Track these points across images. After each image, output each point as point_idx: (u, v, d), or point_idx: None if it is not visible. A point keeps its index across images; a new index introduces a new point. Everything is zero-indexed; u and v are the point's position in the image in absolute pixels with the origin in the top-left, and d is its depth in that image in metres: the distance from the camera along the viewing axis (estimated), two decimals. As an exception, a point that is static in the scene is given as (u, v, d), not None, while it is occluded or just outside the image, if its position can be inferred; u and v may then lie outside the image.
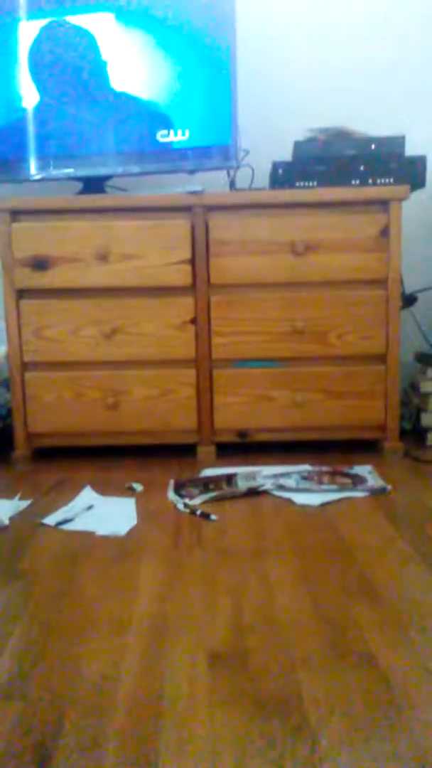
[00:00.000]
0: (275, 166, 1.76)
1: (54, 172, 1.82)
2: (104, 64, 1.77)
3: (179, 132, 1.77)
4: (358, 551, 1.18)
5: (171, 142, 1.78)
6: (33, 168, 1.82)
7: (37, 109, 1.80)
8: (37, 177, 1.82)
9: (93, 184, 1.86)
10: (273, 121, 2.08)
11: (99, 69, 1.77)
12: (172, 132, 1.77)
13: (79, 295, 1.75)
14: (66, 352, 1.76)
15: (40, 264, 1.73)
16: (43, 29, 1.77)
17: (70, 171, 1.81)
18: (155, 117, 1.77)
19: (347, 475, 1.60)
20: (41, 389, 1.77)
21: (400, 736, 0.70)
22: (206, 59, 1.73)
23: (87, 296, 1.75)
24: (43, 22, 1.76)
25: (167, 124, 1.77)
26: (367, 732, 0.71)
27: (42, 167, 1.82)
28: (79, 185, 1.89)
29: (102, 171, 1.81)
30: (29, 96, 1.80)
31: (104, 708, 0.76)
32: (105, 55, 1.76)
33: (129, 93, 1.77)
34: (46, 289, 1.75)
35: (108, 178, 1.86)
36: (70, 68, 1.78)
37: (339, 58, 2.09)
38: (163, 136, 1.77)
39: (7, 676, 0.83)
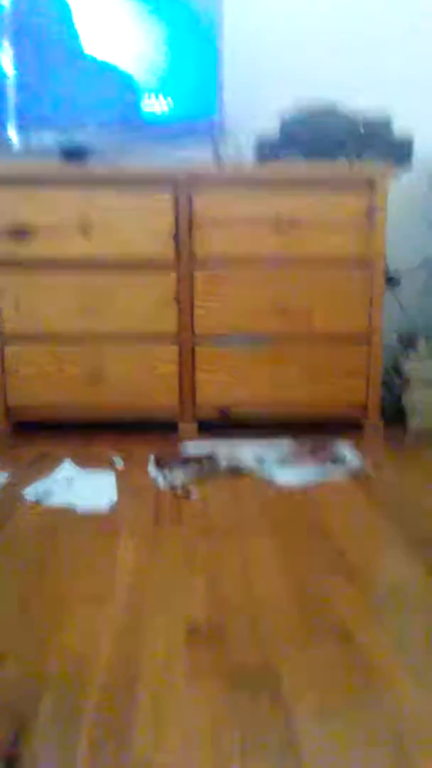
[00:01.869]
0: (260, 140, 1.74)
1: (34, 140, 1.77)
2: (85, 31, 1.72)
3: (164, 103, 1.73)
4: (336, 529, 1.20)
5: (155, 113, 1.74)
6: (12, 135, 1.77)
7: (18, 77, 1.75)
8: (17, 143, 1.78)
9: (75, 154, 1.81)
10: (260, 94, 2.04)
11: (80, 36, 1.72)
12: (156, 103, 1.74)
13: (61, 268, 1.72)
14: (46, 324, 1.74)
15: (19, 233, 1.69)
16: (26, -10, 1.71)
17: (50, 139, 1.77)
18: (139, 87, 1.73)
19: (328, 453, 1.60)
20: (21, 363, 1.75)
21: (374, 710, 0.71)
22: (193, 30, 1.69)
23: (68, 269, 1.72)
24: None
25: (151, 95, 1.73)
26: (341, 706, 0.72)
27: (22, 135, 1.77)
28: (61, 156, 1.84)
29: (83, 140, 1.77)
30: (9, 64, 1.75)
31: (82, 681, 0.76)
32: (88, 22, 1.71)
33: (113, 63, 1.73)
34: (26, 259, 1.71)
35: (90, 149, 1.82)
36: (52, 35, 1.72)
37: (328, 30, 2.05)
38: (147, 107, 1.74)
39: (-16, 650, 0.83)
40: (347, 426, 1.85)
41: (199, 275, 1.72)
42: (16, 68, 1.74)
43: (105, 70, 1.73)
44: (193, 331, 1.75)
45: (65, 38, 1.73)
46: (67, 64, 1.74)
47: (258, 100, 2.02)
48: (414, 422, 1.90)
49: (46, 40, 1.73)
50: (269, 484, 1.44)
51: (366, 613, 0.91)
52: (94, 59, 1.73)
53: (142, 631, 0.87)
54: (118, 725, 0.69)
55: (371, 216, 1.70)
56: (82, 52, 1.73)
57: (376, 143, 1.72)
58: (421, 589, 0.98)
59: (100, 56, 1.73)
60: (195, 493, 1.37)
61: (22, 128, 1.77)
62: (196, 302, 1.73)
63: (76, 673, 0.78)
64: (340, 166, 1.69)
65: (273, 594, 0.96)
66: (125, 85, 1.74)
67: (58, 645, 0.84)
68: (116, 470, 1.52)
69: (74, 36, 1.72)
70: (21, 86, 1.75)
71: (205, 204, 1.69)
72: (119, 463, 1.56)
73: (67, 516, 1.26)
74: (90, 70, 1.74)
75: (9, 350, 1.74)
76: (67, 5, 1.71)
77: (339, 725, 0.69)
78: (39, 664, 0.80)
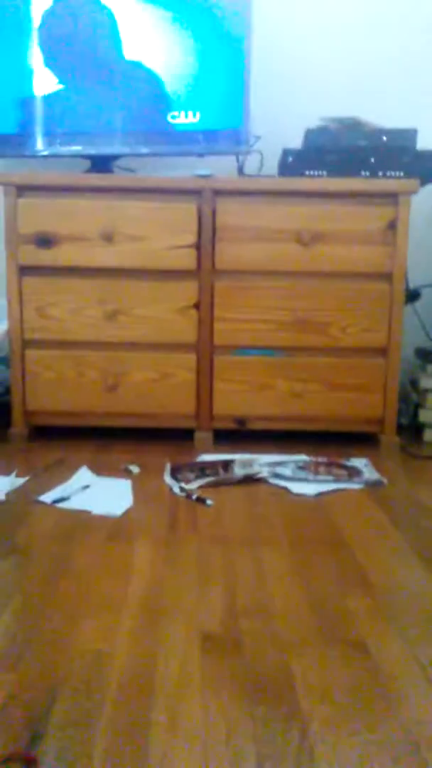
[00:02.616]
0: (285, 153, 1.75)
1: (61, 149, 1.80)
2: (118, 41, 1.75)
3: (190, 114, 1.76)
4: (352, 542, 1.19)
5: (181, 124, 1.76)
6: (40, 144, 1.80)
7: (48, 85, 1.78)
8: (44, 153, 1.80)
9: (101, 163, 1.84)
10: (285, 107, 2.06)
11: (111, 46, 1.75)
12: (182, 113, 1.76)
13: (83, 275, 1.74)
14: (67, 331, 1.75)
15: (44, 241, 1.72)
16: (57, 2, 1.74)
17: (77, 149, 1.79)
18: (166, 98, 1.76)
19: (343, 466, 1.60)
20: (41, 367, 1.77)
21: (390, 723, 0.71)
22: (221, 42, 1.71)
23: (91, 276, 1.74)
24: (58, -5, 1.74)
25: (178, 106, 1.75)
26: (357, 719, 0.71)
27: (49, 143, 1.80)
28: (88, 164, 1.87)
29: (110, 150, 1.80)
30: (39, 71, 1.78)
31: (97, 686, 0.77)
32: (119, 32, 1.74)
33: (141, 73, 1.75)
34: (50, 266, 1.73)
35: (116, 157, 1.85)
36: (82, 44, 1.75)
37: (355, 47, 2.06)
38: (174, 117, 1.76)
39: (0, 651, 0.83)
40: (364, 439, 1.84)
41: (219, 285, 1.73)
42: (51, 76, 1.77)
43: (132, 80, 1.76)
44: (212, 341, 1.76)
45: (94, 48, 1.76)
46: (94, 74, 1.76)
47: (284, 114, 2.04)
48: (429, 436, 1.89)
49: (75, 50, 1.76)
50: (285, 494, 1.44)
51: (382, 623, 0.91)
52: (121, 69, 1.76)
53: (157, 639, 0.87)
54: (133, 733, 0.69)
55: (393, 230, 1.70)
56: (110, 63, 1.75)
57: (399, 157, 1.72)
58: (437, 605, 0.97)
59: (128, 67, 1.75)
60: (210, 501, 1.37)
61: (49, 138, 1.79)
62: (216, 312, 1.74)
63: (91, 679, 0.78)
64: (363, 180, 1.69)
65: (289, 603, 0.96)
66: (153, 95, 1.76)
67: (73, 650, 0.84)
68: (132, 477, 1.53)
69: (103, 46, 1.75)
70: (49, 96, 1.78)
71: (228, 215, 1.70)
72: (135, 470, 1.57)
73: (82, 521, 1.27)
74: (117, 81, 1.76)
75: (30, 354, 1.76)
76: (98, 16, 1.74)
77: (355, 737, 0.68)
78: (54, 668, 0.80)
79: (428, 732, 0.69)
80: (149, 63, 1.75)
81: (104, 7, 1.74)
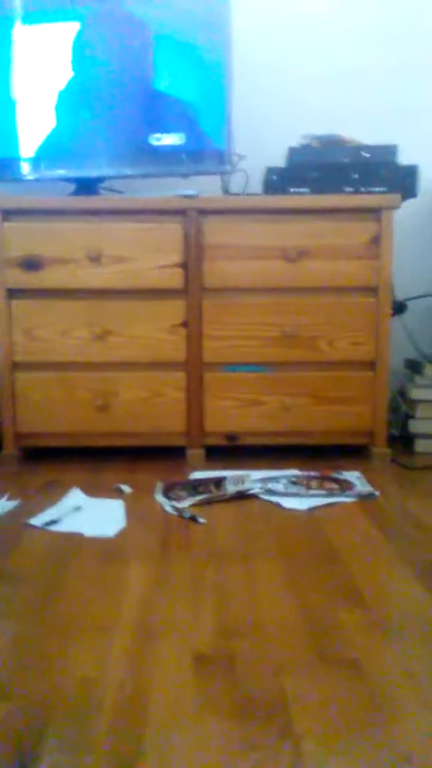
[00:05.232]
0: (269, 171, 1.77)
1: (46, 173, 1.82)
2: (92, 63, 1.77)
3: (173, 135, 1.78)
4: (345, 556, 1.19)
5: (165, 146, 1.78)
6: (25, 168, 1.82)
7: (33, 108, 1.80)
8: (30, 177, 1.82)
9: (86, 186, 1.86)
10: (268, 126, 2.09)
11: (89, 69, 1.78)
12: (166, 135, 1.78)
13: (71, 296, 1.75)
14: (56, 352, 1.76)
15: (31, 264, 1.73)
16: (34, 23, 1.77)
17: (62, 172, 1.81)
18: (150, 120, 1.78)
19: (335, 480, 1.60)
20: (31, 389, 1.77)
21: (384, 741, 0.70)
22: (201, 63, 1.74)
23: (78, 297, 1.75)
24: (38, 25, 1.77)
25: (162, 128, 1.78)
26: (350, 737, 0.71)
27: (34, 167, 1.82)
28: (73, 187, 1.89)
29: (94, 172, 1.81)
30: (22, 95, 1.80)
31: (89, 710, 0.76)
32: (93, 54, 1.77)
33: (122, 96, 1.78)
34: (38, 289, 1.74)
35: (101, 180, 1.87)
36: (62, 67, 1.78)
37: (334, 65, 2.10)
38: (157, 140, 1.78)
39: (-9, 677, 0.83)
40: (355, 451, 1.85)
41: (207, 303, 1.74)
42: (33, 99, 1.80)
43: (114, 103, 1.78)
44: (201, 359, 1.76)
45: (75, 71, 1.78)
46: (77, 97, 1.78)
47: (267, 133, 2.07)
48: (420, 447, 1.90)
49: (56, 72, 1.79)
50: (277, 510, 1.43)
51: (375, 638, 0.91)
52: (103, 92, 1.78)
53: (149, 659, 0.86)
54: (126, 756, 0.68)
55: (377, 244, 1.72)
56: (91, 86, 1.78)
57: (381, 172, 1.75)
58: (429, 615, 0.97)
59: (110, 89, 1.78)
60: (203, 519, 1.37)
61: (34, 161, 1.81)
62: (205, 330, 1.75)
63: (82, 701, 0.78)
64: (346, 196, 1.72)
65: (282, 621, 0.96)
66: (136, 117, 1.78)
67: (64, 673, 0.84)
68: (124, 497, 1.52)
69: (84, 69, 1.78)
70: (34, 117, 1.80)
71: (214, 234, 1.72)
72: (127, 490, 1.56)
73: (74, 543, 1.26)
74: (99, 103, 1.78)
75: (19, 376, 1.76)
76: (77, 40, 1.77)
77: (348, 755, 0.68)
78: (45, 695, 0.80)
79: (422, 748, 0.69)
80: (132, 85, 1.77)
81: (87, 27, 1.76)
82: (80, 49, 1.77)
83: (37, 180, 1.83)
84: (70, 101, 1.79)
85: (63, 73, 1.78)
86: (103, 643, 0.90)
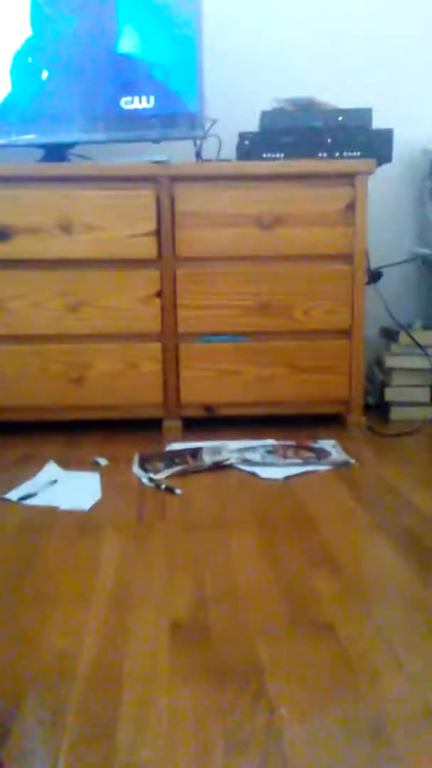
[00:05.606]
0: (242, 136, 1.74)
1: (15, 138, 1.76)
2: (55, 21, 1.71)
3: (144, 99, 1.73)
4: (321, 523, 1.20)
5: (135, 110, 1.73)
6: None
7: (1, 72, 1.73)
8: (-3, 143, 1.76)
9: (55, 152, 1.80)
10: (240, 90, 2.04)
11: (63, 31, 1.71)
12: (137, 99, 1.73)
13: (42, 267, 1.71)
14: (29, 325, 1.72)
15: (0, 234, 1.68)
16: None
17: (31, 137, 1.76)
18: (119, 83, 1.72)
19: (311, 449, 1.61)
20: (3, 363, 1.74)
21: (358, 705, 0.71)
22: (171, 22, 1.68)
23: (50, 268, 1.71)
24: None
25: (132, 91, 1.72)
26: (325, 701, 0.72)
27: (2, 132, 1.76)
28: (41, 153, 1.83)
29: (64, 138, 1.76)
30: (-12, 58, 1.73)
31: (64, 681, 0.76)
32: (55, 12, 1.70)
33: (92, 58, 1.72)
34: (8, 260, 1.70)
35: (71, 145, 1.81)
36: (31, 31, 1.71)
37: (307, 28, 2.05)
38: (128, 103, 1.73)
39: (-34, 652, 0.82)
40: (331, 420, 1.85)
41: (181, 272, 1.72)
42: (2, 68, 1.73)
43: (85, 67, 1.72)
44: (176, 329, 1.74)
45: (43, 34, 1.71)
46: (46, 61, 1.72)
47: (239, 98, 2.02)
48: (396, 415, 1.91)
49: (13, 31, 1.72)
50: (253, 479, 1.44)
51: (350, 604, 0.92)
52: (74, 56, 1.72)
53: (125, 629, 0.86)
54: (102, 724, 0.69)
55: (352, 211, 1.70)
56: (54, 46, 1.71)
57: (356, 137, 1.72)
58: (404, 580, 0.98)
59: (80, 52, 1.71)
60: (179, 490, 1.37)
61: (1, 126, 1.75)
62: (179, 300, 1.73)
63: (58, 672, 0.78)
64: (321, 161, 1.69)
65: (258, 588, 0.96)
66: (105, 82, 1.73)
67: (40, 644, 0.83)
68: (101, 470, 1.52)
69: (45, 27, 1.71)
70: (2, 84, 1.74)
71: (187, 201, 1.68)
72: (103, 463, 1.55)
73: (50, 516, 1.25)
74: (69, 68, 1.72)
75: (-9, 350, 1.73)
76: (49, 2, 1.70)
77: (323, 719, 0.69)
78: (22, 666, 0.79)
79: (396, 711, 0.70)
80: (101, 48, 1.71)
81: (50, -9, 1.69)
82: (40, 6, 1.70)
83: (4, 146, 1.77)
84: (33, 62, 1.72)
85: (21, 31, 1.71)
86: (79, 613, 0.90)
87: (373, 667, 0.78)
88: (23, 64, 1.73)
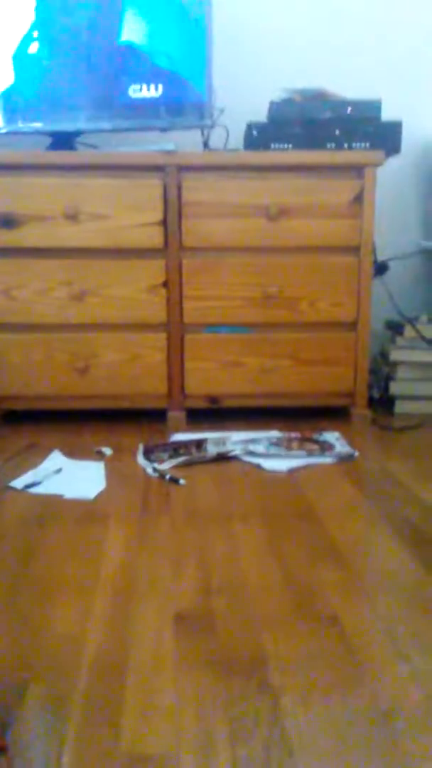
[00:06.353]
0: (250, 126, 1.73)
1: (22, 126, 1.75)
2: (63, 9, 1.69)
3: (152, 87, 1.72)
4: (325, 515, 1.20)
5: (143, 98, 1.72)
6: (0, 121, 1.75)
7: (8, 60, 1.72)
8: (4, 131, 1.75)
9: (63, 140, 1.80)
10: (249, 80, 2.03)
11: (72, 21, 1.70)
12: (144, 87, 1.72)
13: (49, 255, 1.70)
14: (35, 313, 1.72)
15: (7, 222, 1.68)
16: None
17: (38, 125, 1.75)
18: (128, 71, 1.71)
19: (315, 441, 1.61)
20: (9, 351, 1.74)
21: (361, 697, 0.72)
22: (181, 12, 1.67)
23: (56, 256, 1.70)
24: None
25: (140, 79, 1.71)
26: (328, 692, 0.72)
27: (10, 120, 1.75)
28: (48, 141, 1.82)
29: (72, 126, 1.75)
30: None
31: (69, 670, 0.77)
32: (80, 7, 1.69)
33: (101, 48, 1.70)
34: (14, 248, 1.70)
35: (78, 134, 1.80)
36: (39, 20, 1.70)
37: (317, 18, 2.03)
38: (135, 91, 1.72)
39: (-28, 639, 0.83)
40: (335, 413, 1.85)
41: (187, 263, 1.71)
42: (10, 49, 1.72)
43: (93, 55, 1.71)
44: (181, 320, 1.74)
45: (51, 22, 1.70)
46: (54, 50, 1.71)
47: (247, 88, 2.01)
48: (400, 408, 1.91)
49: (24, 19, 1.71)
50: (257, 471, 1.44)
51: (354, 596, 0.92)
52: (82, 44, 1.70)
53: (130, 619, 0.87)
54: (106, 714, 0.69)
55: (360, 202, 1.69)
56: (70, 38, 1.70)
57: (364, 128, 1.71)
58: (408, 573, 0.99)
59: (89, 41, 1.70)
60: (183, 481, 1.37)
61: (9, 114, 1.74)
62: (185, 290, 1.72)
63: (63, 663, 0.78)
64: (329, 152, 1.68)
65: (262, 580, 0.97)
66: (113, 70, 1.71)
67: (45, 633, 0.84)
68: (105, 459, 1.52)
69: (61, 21, 1.70)
70: (10, 68, 1.72)
71: (193, 191, 1.68)
72: (108, 453, 1.56)
73: (54, 505, 1.26)
74: (77, 56, 1.71)
75: (-4, 339, 1.73)
76: (52, -12, 1.68)
77: (327, 710, 0.69)
78: (27, 654, 0.80)
79: (399, 704, 0.71)
80: (110, 36, 1.70)
81: (59, -23, 1.68)
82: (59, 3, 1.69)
83: (11, 133, 1.76)
84: (49, 53, 1.71)
85: (28, 18, 1.70)
86: (83, 603, 0.91)
87: (377, 658, 0.78)
88: (32, 51, 1.72)
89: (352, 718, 0.68)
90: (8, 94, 1.74)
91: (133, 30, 1.69)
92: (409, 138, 2.06)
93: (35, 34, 1.71)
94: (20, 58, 1.72)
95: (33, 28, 1.70)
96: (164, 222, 1.69)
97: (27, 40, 1.71)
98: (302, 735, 0.66)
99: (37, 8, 1.69)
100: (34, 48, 1.71)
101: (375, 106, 1.73)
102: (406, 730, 0.66)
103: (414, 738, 0.65)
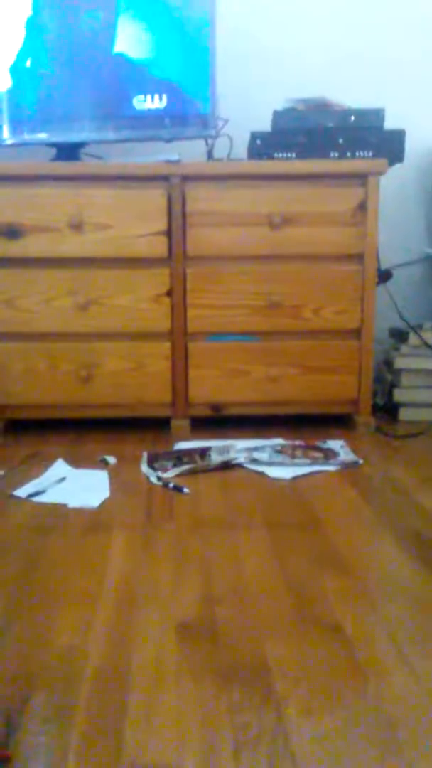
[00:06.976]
0: (253, 136, 1.74)
1: (27, 137, 1.76)
2: (65, 20, 1.71)
3: (156, 98, 1.73)
4: (328, 524, 1.20)
5: (148, 109, 1.73)
6: (6, 132, 1.77)
7: (13, 71, 1.74)
8: (10, 142, 1.77)
9: (67, 151, 1.81)
10: (252, 90, 2.04)
11: (76, 32, 1.71)
12: (149, 98, 1.73)
13: (53, 265, 1.71)
14: (39, 323, 1.73)
15: (11, 232, 1.69)
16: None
17: (43, 136, 1.76)
18: (132, 83, 1.73)
19: (320, 449, 1.61)
20: (13, 360, 1.74)
21: (365, 705, 0.71)
22: (184, 24, 1.69)
23: (60, 266, 1.71)
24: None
25: (144, 90, 1.73)
26: (332, 701, 0.72)
27: (15, 132, 1.76)
28: (53, 152, 1.84)
29: (76, 137, 1.77)
30: (4, 58, 1.74)
31: (72, 679, 0.76)
32: (78, 18, 1.71)
33: (105, 58, 1.72)
34: (19, 258, 1.71)
35: (83, 144, 1.82)
36: (44, 33, 1.72)
37: (320, 28, 2.05)
38: (140, 102, 1.73)
39: (-25, 648, 0.83)
40: (339, 421, 1.85)
41: (191, 272, 1.72)
42: (15, 61, 1.74)
43: (97, 66, 1.73)
44: (186, 328, 1.75)
45: (58, 35, 1.72)
46: (58, 61, 1.73)
47: (251, 98, 2.02)
48: (404, 416, 1.91)
49: (39, 37, 1.72)
50: (261, 479, 1.44)
51: (358, 604, 0.91)
52: (87, 56, 1.72)
53: (133, 628, 0.87)
54: (109, 723, 0.69)
55: (363, 210, 1.70)
56: (74, 49, 1.72)
57: (367, 137, 1.72)
58: (411, 580, 0.98)
59: (93, 52, 1.72)
60: (187, 489, 1.37)
61: (14, 126, 1.76)
62: (189, 299, 1.73)
63: (66, 670, 0.78)
64: (332, 161, 1.69)
65: (265, 588, 0.97)
66: (118, 80, 1.73)
67: (48, 642, 0.84)
68: (109, 468, 1.52)
69: (67, 33, 1.72)
70: (16, 80, 1.74)
71: (198, 200, 1.69)
72: (112, 461, 1.56)
73: (58, 514, 1.26)
74: (83, 67, 1.73)
75: (1, 348, 1.74)
76: (62, 5, 1.70)
77: (331, 719, 0.69)
78: (30, 663, 0.80)
79: (404, 712, 0.70)
80: (114, 48, 1.72)
81: (64, -10, 1.70)
82: (63, 14, 1.71)
83: (17, 145, 1.78)
84: (53, 65, 1.73)
85: (32, 30, 1.72)
86: (86, 612, 0.91)
87: (380, 666, 0.78)
88: (36, 63, 1.73)
89: (356, 727, 0.68)
90: (13, 105, 1.75)
91: (133, 42, 1.71)
92: (412, 146, 2.07)
93: (38, 45, 1.72)
94: (23, 69, 1.74)
95: (36, 39, 1.72)
96: (168, 231, 1.70)
97: (29, 51, 1.73)
98: (306, 743, 0.65)
99: (40, 19, 1.71)
100: (37, 60, 1.73)
101: (378, 115, 1.74)
102: (411, 739, 0.66)
103: (418, 746, 0.65)
